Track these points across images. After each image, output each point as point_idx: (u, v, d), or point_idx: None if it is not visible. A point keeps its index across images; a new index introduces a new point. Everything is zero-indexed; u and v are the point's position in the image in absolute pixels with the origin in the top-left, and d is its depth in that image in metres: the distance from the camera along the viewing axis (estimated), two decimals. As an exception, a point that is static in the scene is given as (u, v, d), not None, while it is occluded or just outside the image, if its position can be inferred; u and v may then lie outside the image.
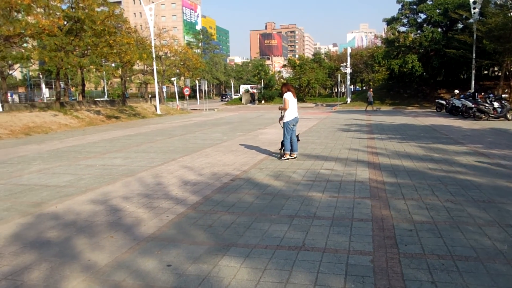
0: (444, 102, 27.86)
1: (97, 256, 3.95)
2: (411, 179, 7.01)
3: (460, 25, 37.61)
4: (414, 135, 13.91)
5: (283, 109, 9.18)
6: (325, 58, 69.00)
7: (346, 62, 46.69)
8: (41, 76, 49.76)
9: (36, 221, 5.14)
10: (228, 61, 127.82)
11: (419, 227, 4.57)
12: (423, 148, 10.64)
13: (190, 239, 4.35)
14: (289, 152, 9.21)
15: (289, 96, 9.19)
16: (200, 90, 55.60)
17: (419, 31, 38.64)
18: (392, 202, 5.57)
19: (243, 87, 73.16)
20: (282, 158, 9.26)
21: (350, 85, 50.79)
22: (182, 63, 46.23)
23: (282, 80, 60.56)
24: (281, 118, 9.35)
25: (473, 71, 30.13)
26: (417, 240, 4.18)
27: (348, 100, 44.59)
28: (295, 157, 9.29)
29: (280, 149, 9.50)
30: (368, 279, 3.33)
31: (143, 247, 4.16)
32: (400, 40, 38.01)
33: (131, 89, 75.76)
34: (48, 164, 9.61)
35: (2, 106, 21.53)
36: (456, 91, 26.88)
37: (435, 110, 29.43)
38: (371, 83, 59.22)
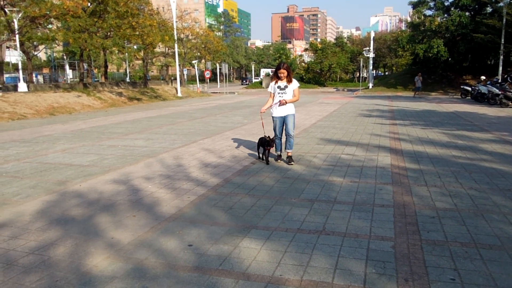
0: (469, 89, 27.09)
1: (120, 234, 4.03)
2: (434, 166, 6.89)
3: (489, 9, 36.24)
4: (437, 122, 13.63)
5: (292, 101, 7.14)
6: (348, 42, 67.92)
7: (369, 46, 45.83)
8: (65, 57, 50.48)
9: (61, 198, 5.27)
10: (249, 45, 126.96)
11: (442, 214, 4.50)
12: (446, 135, 10.42)
13: (211, 220, 4.39)
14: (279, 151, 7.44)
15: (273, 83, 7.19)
16: (221, 73, 55.57)
17: (445, 15, 37.48)
18: (415, 189, 5.49)
19: (263, 71, 72.81)
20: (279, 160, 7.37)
21: (372, 70, 49.88)
22: (203, 46, 46.13)
23: (304, 64, 59.85)
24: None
25: (501, 57, 29.18)
26: (439, 227, 4.12)
27: (370, 85, 43.86)
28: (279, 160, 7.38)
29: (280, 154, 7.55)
30: (390, 264, 3.31)
31: (164, 226, 4.23)
32: (426, 24, 36.95)
33: (152, 71, 76.17)
34: (72, 143, 9.80)
35: (28, 86, 21.98)
36: (483, 77, 26.11)
37: (459, 97, 28.70)
38: (394, 68, 58.07)
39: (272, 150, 7.46)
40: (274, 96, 7.12)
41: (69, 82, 40.21)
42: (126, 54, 42.09)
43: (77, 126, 13.75)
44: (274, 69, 7.48)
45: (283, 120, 7.14)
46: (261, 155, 7.47)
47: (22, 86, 21.51)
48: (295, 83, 7.11)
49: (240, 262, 3.37)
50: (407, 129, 11.63)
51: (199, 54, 49.25)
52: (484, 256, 3.44)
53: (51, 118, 17.18)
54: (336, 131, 11.34)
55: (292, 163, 7.06)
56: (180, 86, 34.02)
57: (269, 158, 7.33)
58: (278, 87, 7.06)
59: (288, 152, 7.20)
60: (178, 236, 3.96)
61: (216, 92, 41.71)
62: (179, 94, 32.51)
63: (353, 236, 3.89)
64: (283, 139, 7.37)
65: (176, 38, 32.35)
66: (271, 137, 7.05)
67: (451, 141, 9.40)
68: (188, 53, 45.89)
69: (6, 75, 32.15)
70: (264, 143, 7.09)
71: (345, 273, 3.16)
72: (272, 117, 7.21)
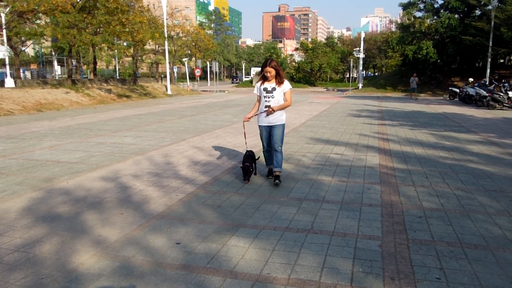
0: (457, 90, 27.43)
1: (107, 231, 4.00)
2: (422, 166, 6.95)
3: (478, 12, 36.71)
4: (426, 123, 13.76)
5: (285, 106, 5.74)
6: (338, 42, 68.21)
7: (359, 47, 46.10)
8: (53, 53, 49.85)
9: (48, 195, 5.21)
10: (240, 43, 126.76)
11: (428, 214, 4.55)
12: (434, 136, 10.53)
13: (199, 218, 4.38)
14: (271, 165, 6.03)
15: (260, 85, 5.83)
16: (211, 71, 55.47)
17: (435, 17, 37.82)
18: (402, 189, 5.54)
19: (254, 70, 72.69)
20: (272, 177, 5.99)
21: (362, 70, 50.18)
22: (193, 44, 46.04)
23: (294, 64, 59.97)
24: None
25: (489, 59, 29.56)
26: (426, 227, 4.16)
27: (360, 85, 44.15)
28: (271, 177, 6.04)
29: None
30: (376, 263, 3.33)
31: (152, 224, 4.20)
32: (416, 25, 37.28)
33: (142, 68, 75.69)
34: (60, 140, 9.69)
35: (15, 82, 21.68)
36: (471, 79, 26.39)
37: (448, 98, 29.01)
38: (383, 69, 58.50)
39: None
40: (260, 99, 5.78)
41: (57, 78, 39.73)
42: (116, 51, 41.73)
43: (65, 122, 13.60)
44: None
45: (269, 130, 5.78)
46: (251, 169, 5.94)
47: (9, 82, 21.21)
48: (286, 85, 5.63)
49: (228, 260, 3.36)
50: (396, 130, 11.72)
51: (189, 52, 49.12)
52: (470, 256, 3.49)
53: (39, 114, 16.96)
54: (325, 130, 11.39)
55: (278, 182, 5.62)
56: (170, 84, 33.84)
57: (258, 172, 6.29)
58: (265, 89, 5.63)
59: (275, 171, 5.74)
60: (166, 234, 3.94)
61: (206, 91, 41.58)
62: (169, 92, 32.34)
63: (341, 235, 3.91)
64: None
65: (166, 35, 32.16)
66: (249, 154, 5.85)
67: (438, 142, 9.49)
68: (178, 50, 45.72)
69: (-8, 70, 31.67)
70: (245, 160, 5.78)
71: (332, 272, 3.18)
72: (258, 125, 5.87)
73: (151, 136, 10.40)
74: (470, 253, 3.54)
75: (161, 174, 6.33)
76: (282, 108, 5.66)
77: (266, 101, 5.66)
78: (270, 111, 5.57)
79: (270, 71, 5.57)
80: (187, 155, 7.87)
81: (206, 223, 4.22)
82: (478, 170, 6.65)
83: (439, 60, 38.64)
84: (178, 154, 7.93)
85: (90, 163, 7.13)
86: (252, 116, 5.83)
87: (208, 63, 55.62)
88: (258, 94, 5.78)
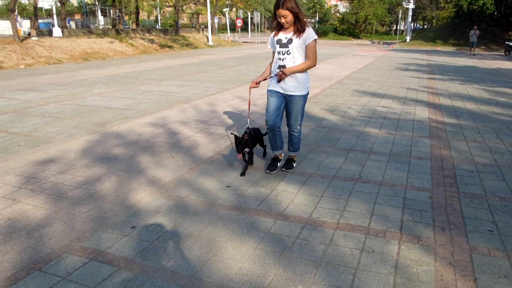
0: (515, 45, 25.60)
1: (160, 173, 4.18)
2: (474, 121, 6.69)
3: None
4: (478, 78, 13.06)
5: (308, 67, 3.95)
6: (386, -9, 64.48)
7: (409, -3, 43.44)
8: (96, 3, 50.28)
9: (102, 139, 5.45)
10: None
11: (481, 169, 4.42)
12: (488, 92, 10.01)
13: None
14: (277, 152, 4.34)
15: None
16: (252, 23, 54.32)
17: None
18: (453, 143, 5.38)
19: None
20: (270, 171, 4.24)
21: (411, 22, 47.60)
22: (235, -7, 44.91)
23: (338, 15, 57.67)
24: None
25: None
26: (478, 181, 4.06)
27: (408, 38, 42.06)
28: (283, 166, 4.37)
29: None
30: (426, 213, 3.32)
31: (203, 168, 4.34)
32: (473, -27, 34.54)
33: (182, 19, 75.07)
34: (108, 88, 9.98)
35: (62, 32, 22.20)
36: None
37: (503, 54, 27.21)
38: (434, 21, 55.26)
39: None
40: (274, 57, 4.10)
41: (101, 28, 40.31)
42: (157, 0, 41.51)
43: (111, 71, 13.93)
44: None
45: (283, 101, 4.08)
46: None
47: (57, 31, 21.75)
48: (309, 35, 3.81)
49: (277, 204, 3.45)
50: (446, 84, 11.22)
51: (230, 2, 48.06)
52: (524, 210, 3.40)
53: (86, 63, 17.43)
54: (371, 83, 11.07)
55: (294, 164, 4.33)
56: (211, 34, 33.58)
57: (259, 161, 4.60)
58: (279, 42, 3.94)
59: (290, 155, 4.38)
60: (216, 177, 4.07)
61: (247, 42, 41.01)
62: (210, 43, 32.17)
63: (390, 185, 3.89)
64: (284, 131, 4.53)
65: (208, -16, 31.53)
66: (245, 137, 4.09)
67: (492, 98, 9.04)
68: (219, 0, 44.83)
69: (39, 21, 32.46)
70: (238, 144, 4.06)
71: (381, 219, 3.20)
72: (267, 90, 4.16)
73: (195, 85, 10.50)
74: (525, 208, 3.45)
75: (207, 122, 6.44)
76: (301, 70, 3.89)
77: (279, 58, 3.95)
78: (281, 75, 3.87)
79: (285, 15, 3.74)
80: (232, 104, 7.93)
81: (255, 169, 4.31)
82: (535, 127, 6.33)
83: (496, 12, 35.91)
84: (223, 103, 8.00)
85: (139, 110, 7.34)
86: (261, 81, 4.20)
87: (249, 13, 54.42)
88: (273, 50, 4.11)
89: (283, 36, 3.91)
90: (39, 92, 9.34)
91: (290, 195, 3.63)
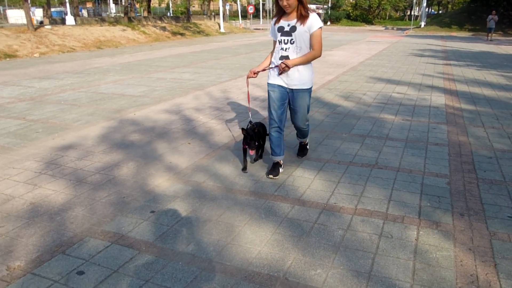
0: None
1: (177, 159, 4.21)
2: (492, 107, 6.58)
3: None
4: (495, 64, 12.81)
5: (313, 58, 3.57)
6: (400, -24, 63.20)
7: (424, -19, 42.58)
8: (108, -10, 50.27)
9: (119, 125, 5.50)
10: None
11: (499, 155, 4.36)
12: (506, 78, 9.82)
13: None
14: (280, 158, 3.82)
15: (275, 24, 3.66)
16: (264, 9, 53.82)
17: None
18: (471, 129, 5.31)
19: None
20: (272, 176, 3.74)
21: (426, 7, 46.70)
22: (246, -21, 44.46)
23: (351, 0, 56.78)
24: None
25: None
26: (497, 167, 4.01)
27: (422, 24, 41.34)
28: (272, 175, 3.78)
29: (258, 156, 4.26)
30: (445, 199, 3.30)
31: (219, 154, 4.36)
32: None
33: (193, 6, 74.78)
34: (122, 75, 10.03)
35: (75, 20, 22.28)
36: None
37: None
38: (449, 6, 54.14)
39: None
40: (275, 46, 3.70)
41: (113, 16, 40.33)
42: (169, -13, 41.34)
43: (124, 59, 13.98)
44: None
45: (287, 96, 3.69)
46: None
47: (70, 19, 21.83)
48: (313, 22, 3.43)
49: (294, 190, 3.46)
50: (462, 70, 11.03)
51: (242, -12, 47.62)
52: (545, 197, 3.36)
53: (99, 51, 17.51)
54: (386, 70, 10.94)
55: (307, 150, 4.28)
56: (223, 21, 33.41)
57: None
58: (280, 29, 3.56)
59: (302, 141, 4.24)
60: (233, 163, 4.09)
61: (259, 29, 40.69)
62: (222, 30, 32.03)
63: (407, 171, 3.87)
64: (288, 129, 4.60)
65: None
66: (254, 128, 3.85)
67: (510, 84, 8.87)
68: (231, -13, 44.45)
69: (52, 9, 32.61)
70: (245, 138, 3.81)
71: (399, 205, 3.19)
72: (268, 84, 3.73)
73: (209, 72, 10.50)
74: (546, 194, 3.40)
75: (221, 108, 6.45)
76: (305, 61, 3.53)
77: (282, 48, 3.57)
78: (283, 67, 3.48)
79: None
80: (246, 91, 7.91)
81: (269, 157, 4.31)
82: (555, 113, 6.20)
83: (514, -5, 35.00)
84: (237, 90, 7.99)
85: (154, 97, 7.37)
86: (260, 71, 3.74)
87: (260, 0, 53.92)
88: (274, 39, 3.71)
89: (285, 23, 3.51)
90: (54, 80, 9.43)
91: (307, 181, 3.64)
